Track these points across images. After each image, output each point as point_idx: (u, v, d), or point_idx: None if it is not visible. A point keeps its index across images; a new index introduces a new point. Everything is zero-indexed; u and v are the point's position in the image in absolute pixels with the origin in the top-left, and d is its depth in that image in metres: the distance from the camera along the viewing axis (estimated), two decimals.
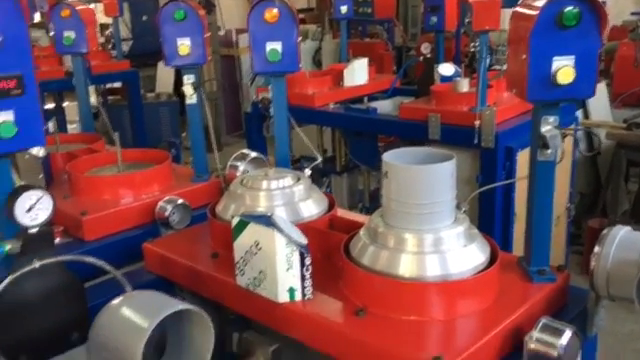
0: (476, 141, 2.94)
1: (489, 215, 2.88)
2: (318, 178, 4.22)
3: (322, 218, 1.74)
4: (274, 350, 1.49)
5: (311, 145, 2.21)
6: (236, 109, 7.69)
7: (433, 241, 1.41)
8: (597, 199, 4.61)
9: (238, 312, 1.59)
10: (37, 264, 1.46)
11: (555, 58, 1.33)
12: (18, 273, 1.43)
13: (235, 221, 1.48)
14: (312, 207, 1.77)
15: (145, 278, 1.78)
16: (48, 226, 1.49)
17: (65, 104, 5.91)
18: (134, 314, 1.14)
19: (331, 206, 1.82)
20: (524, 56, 1.36)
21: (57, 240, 1.99)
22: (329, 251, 1.61)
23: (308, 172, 1.93)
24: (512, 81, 1.50)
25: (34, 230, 1.44)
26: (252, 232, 1.44)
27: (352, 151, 4.26)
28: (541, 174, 1.46)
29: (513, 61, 1.47)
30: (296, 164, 5.02)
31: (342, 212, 1.87)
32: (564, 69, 1.32)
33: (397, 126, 3.56)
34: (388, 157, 1.44)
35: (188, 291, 1.78)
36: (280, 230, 1.40)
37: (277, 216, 1.45)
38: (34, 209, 1.42)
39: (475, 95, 3.06)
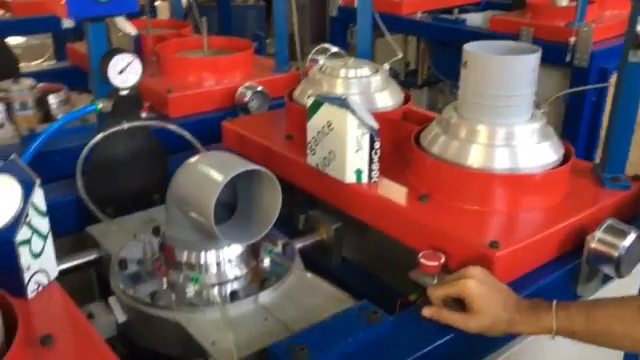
0: (568, 59, 2.80)
1: (574, 134, 2.79)
2: None
3: (396, 110, 1.75)
4: (337, 228, 1.55)
5: (393, 42, 2.17)
6: (321, 19, 7.58)
7: (505, 135, 1.40)
8: None
9: (307, 191, 1.66)
10: (126, 125, 1.57)
11: None
12: (108, 131, 1.55)
13: (310, 101, 1.52)
14: (387, 98, 1.78)
15: None
16: (137, 91, 1.59)
17: (157, 3, 6.04)
18: (210, 170, 1.22)
19: (407, 101, 1.82)
20: None
21: (144, 115, 2.13)
22: (399, 142, 1.63)
23: (387, 66, 1.92)
24: None
25: (124, 92, 1.54)
26: (325, 112, 1.48)
27: (436, 64, 4.16)
28: (629, 76, 1.39)
29: None
30: None
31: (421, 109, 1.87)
32: None
33: (486, 38, 3.41)
34: (470, 47, 1.42)
35: None
36: (353, 112, 1.43)
37: (352, 100, 1.48)
38: (125, 72, 1.51)
39: (574, 10, 2.89)
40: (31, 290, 1.07)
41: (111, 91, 1.53)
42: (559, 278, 1.30)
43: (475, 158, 1.40)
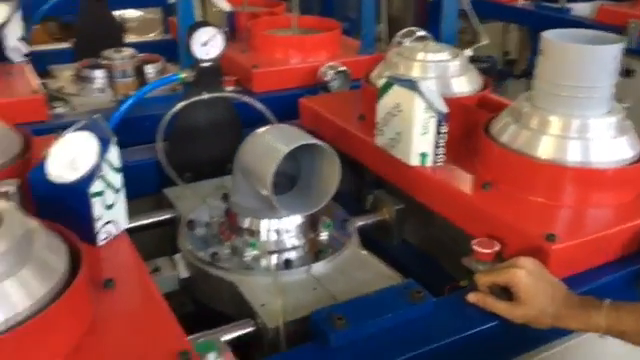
0: None
1: None
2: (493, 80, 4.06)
3: (472, 96, 1.73)
4: (399, 209, 1.56)
5: (480, 27, 2.12)
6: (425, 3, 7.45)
7: (579, 127, 1.35)
8: None
9: (374, 171, 1.68)
10: (205, 96, 1.66)
11: None
12: (189, 101, 1.64)
13: (382, 82, 1.53)
14: (464, 84, 1.75)
15: None
16: (218, 64, 1.67)
17: None
18: (272, 141, 1.28)
19: (485, 87, 1.79)
20: None
21: (230, 88, 2.22)
22: (471, 128, 1.61)
23: (469, 52, 1.89)
24: None
25: (206, 64, 1.63)
26: (395, 94, 1.49)
27: (535, 54, 4.00)
28: None
29: None
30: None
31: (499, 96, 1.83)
32: None
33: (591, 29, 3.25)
34: (548, 34, 1.38)
35: (334, 148, 1.90)
36: (421, 94, 1.43)
37: (422, 83, 1.48)
38: (208, 45, 1.59)
39: None
40: (101, 238, 1.17)
41: (194, 63, 1.62)
42: (620, 279, 1.25)
43: (545, 149, 1.36)
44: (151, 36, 5.06)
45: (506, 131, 1.43)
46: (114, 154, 1.16)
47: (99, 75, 2.31)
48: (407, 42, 2.22)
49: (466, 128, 1.62)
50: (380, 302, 1.12)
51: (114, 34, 2.65)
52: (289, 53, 2.32)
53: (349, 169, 1.86)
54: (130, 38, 3.03)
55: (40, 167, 1.14)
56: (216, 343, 1.02)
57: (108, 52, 2.35)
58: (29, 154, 1.32)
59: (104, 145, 1.15)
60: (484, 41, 2.08)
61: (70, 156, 1.13)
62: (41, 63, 2.37)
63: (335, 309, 1.10)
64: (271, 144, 1.27)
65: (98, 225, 1.15)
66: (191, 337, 1.03)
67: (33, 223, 0.97)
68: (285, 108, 2.06)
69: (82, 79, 2.33)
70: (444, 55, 1.76)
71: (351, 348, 1.04)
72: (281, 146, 1.24)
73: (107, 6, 2.63)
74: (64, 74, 2.41)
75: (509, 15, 3.83)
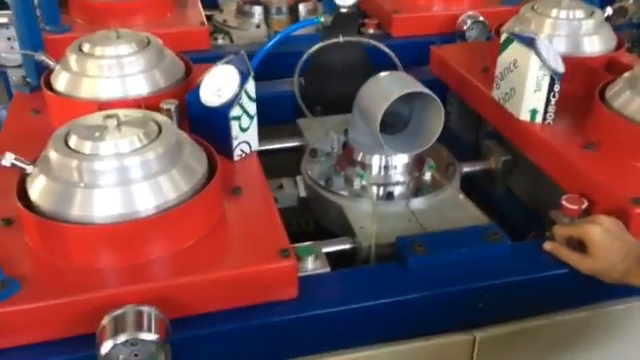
0: None
1: None
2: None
3: (601, 57, 1.73)
4: (505, 160, 1.66)
5: None
6: None
7: None
8: None
9: (489, 122, 1.78)
10: (341, 39, 1.83)
11: None
12: (325, 43, 1.83)
13: (503, 37, 1.60)
14: (596, 44, 1.75)
15: (426, 78, 2.03)
16: (355, 11, 1.83)
17: None
18: (387, 85, 1.44)
19: (619, 48, 1.77)
20: None
21: (371, 31, 2.38)
22: (592, 90, 1.63)
23: (609, 10, 1.86)
24: None
25: (344, 10, 1.80)
26: (514, 50, 1.56)
27: None
28: None
29: None
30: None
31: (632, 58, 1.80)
32: None
33: None
34: None
35: (457, 97, 2.01)
36: (538, 53, 1.49)
37: (542, 41, 1.53)
38: None
39: None
40: (236, 155, 1.43)
41: (333, 9, 1.79)
42: None
43: None
44: None
45: (620, 96, 1.45)
46: (251, 86, 1.40)
47: (257, 11, 2.58)
48: None
49: (588, 88, 1.65)
50: (459, 238, 1.27)
51: None
52: (431, 0, 2.41)
53: (472, 118, 1.97)
54: None
55: (195, 91, 1.41)
56: (315, 249, 1.25)
57: None
58: (189, 79, 1.60)
59: (244, 78, 1.39)
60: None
61: (217, 85, 1.38)
62: None
63: (418, 238, 1.27)
64: (384, 89, 1.43)
65: (235, 143, 1.41)
66: (300, 244, 1.26)
67: (183, 135, 1.24)
68: (422, 54, 2.17)
69: (243, 14, 2.61)
70: (578, 13, 1.77)
71: (425, 272, 1.21)
72: (392, 91, 1.39)
73: None
74: (229, 8, 2.70)
75: None
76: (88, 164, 1.11)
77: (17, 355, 1.02)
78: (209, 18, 2.52)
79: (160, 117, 1.24)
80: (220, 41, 2.36)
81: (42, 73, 1.65)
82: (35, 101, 1.65)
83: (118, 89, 1.51)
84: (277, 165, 1.66)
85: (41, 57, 1.56)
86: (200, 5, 2.43)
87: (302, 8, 2.61)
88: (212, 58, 1.93)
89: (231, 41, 2.42)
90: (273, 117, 1.71)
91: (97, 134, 1.15)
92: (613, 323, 1.30)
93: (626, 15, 2.01)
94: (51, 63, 1.57)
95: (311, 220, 1.70)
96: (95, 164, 1.11)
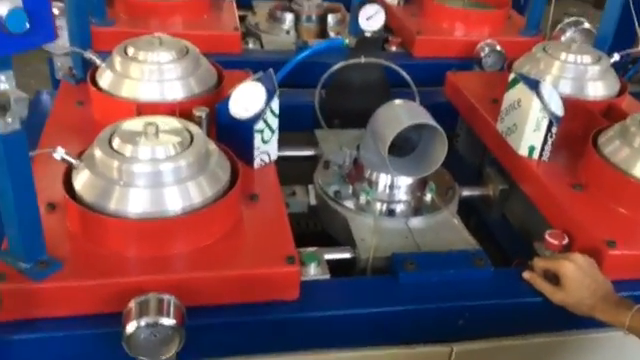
0: None
1: None
2: None
3: (602, 101, 1.86)
4: (502, 189, 1.79)
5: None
6: None
7: None
8: None
9: (492, 151, 1.91)
10: (363, 60, 1.98)
11: None
12: (349, 62, 1.97)
13: (511, 77, 1.74)
14: (599, 89, 1.88)
15: (438, 100, 2.18)
16: (379, 35, 1.97)
17: None
18: (399, 114, 1.58)
19: (621, 94, 1.90)
20: None
21: (393, 49, 2.51)
22: (589, 131, 1.76)
23: (616, 57, 1.98)
24: None
25: (368, 34, 1.94)
26: (519, 90, 1.69)
27: None
28: None
29: None
30: None
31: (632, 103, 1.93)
32: None
33: None
34: None
35: (467, 123, 2.14)
36: (540, 96, 1.62)
37: (545, 85, 1.66)
38: (371, 19, 1.90)
39: None
40: (256, 164, 1.58)
41: (358, 32, 1.93)
42: None
43: (639, 169, 1.51)
44: None
45: (610, 144, 1.59)
46: (275, 103, 1.55)
47: (288, 18, 2.72)
48: (570, 32, 2.34)
49: (586, 131, 1.78)
50: (448, 260, 1.42)
51: None
52: (453, 24, 2.54)
53: (479, 144, 2.10)
54: None
55: (225, 103, 1.56)
56: (318, 257, 1.40)
57: None
58: (220, 88, 1.75)
59: (270, 95, 1.54)
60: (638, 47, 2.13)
61: (245, 100, 1.54)
62: None
63: (411, 256, 1.42)
64: (396, 116, 1.58)
65: (256, 153, 1.56)
66: (304, 249, 1.41)
67: (212, 145, 1.39)
68: (439, 74, 2.30)
69: (274, 19, 2.75)
70: (585, 58, 1.89)
71: (414, 288, 1.36)
72: (403, 120, 1.54)
73: None
74: (261, 11, 2.84)
75: None
76: (127, 165, 1.27)
77: (54, 326, 1.19)
78: (242, 19, 2.67)
79: (194, 127, 1.40)
80: (251, 45, 2.51)
81: (88, 67, 1.81)
82: (80, 93, 1.81)
83: (156, 92, 1.66)
84: (292, 170, 1.81)
85: (89, 55, 1.72)
86: (235, 9, 2.57)
87: (331, 18, 2.75)
88: (242, 63, 2.10)
89: (261, 45, 2.57)
90: (293, 125, 1.85)
91: (137, 139, 1.31)
92: (578, 351, 1.44)
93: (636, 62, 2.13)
94: (97, 61, 1.73)
95: (319, 223, 1.85)
96: (133, 166, 1.27)
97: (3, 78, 1.00)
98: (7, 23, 0.91)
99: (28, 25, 0.93)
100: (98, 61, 1.73)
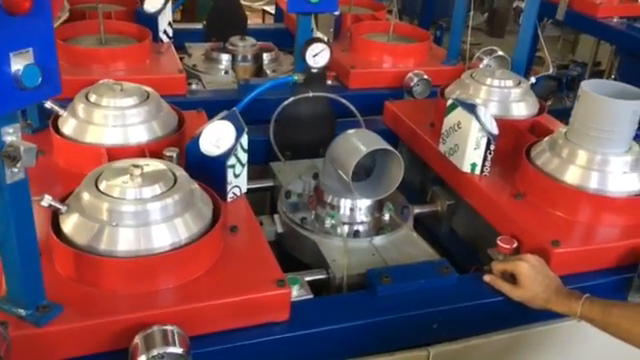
0: None
1: None
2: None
3: (526, 120, 2.09)
4: (450, 204, 1.97)
5: (547, 55, 2.45)
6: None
7: (600, 161, 1.70)
8: None
9: (435, 171, 2.09)
10: (310, 94, 2.11)
11: None
12: (297, 97, 2.10)
13: (449, 102, 1.93)
14: (522, 109, 2.12)
15: (379, 127, 2.34)
16: (324, 70, 2.11)
17: None
18: (357, 142, 1.72)
19: (541, 112, 2.14)
20: None
21: (329, 82, 2.67)
22: (519, 147, 1.97)
23: (533, 80, 2.24)
24: None
25: (314, 70, 2.08)
26: (458, 114, 1.88)
27: (621, 72, 4.19)
28: None
29: None
30: (562, 69, 5.04)
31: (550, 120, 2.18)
32: None
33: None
34: (585, 85, 1.72)
35: (407, 147, 2.32)
36: (478, 118, 1.82)
37: (480, 108, 1.86)
38: (317, 56, 2.04)
39: None
40: (229, 197, 1.66)
41: (305, 68, 2.07)
42: (611, 284, 1.61)
43: (570, 176, 1.72)
44: (261, 3, 5.70)
45: (542, 156, 1.80)
46: (245, 139, 1.65)
47: (225, 58, 2.82)
48: (486, 60, 2.59)
49: (516, 146, 1.99)
50: (417, 271, 1.56)
51: (239, 23, 3.15)
52: (382, 57, 2.74)
53: (419, 165, 2.28)
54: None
55: (194, 142, 1.64)
56: (300, 279, 1.50)
57: (234, 39, 2.86)
58: (183, 129, 1.82)
59: (239, 132, 1.63)
60: (548, 71, 2.41)
61: (216, 137, 1.62)
62: (178, 38, 2.89)
63: (384, 270, 1.55)
64: (355, 144, 1.71)
65: (228, 187, 1.64)
66: (287, 274, 1.49)
67: (194, 184, 1.47)
68: (374, 104, 2.47)
69: (210, 60, 2.84)
70: (508, 82, 2.13)
71: (391, 299, 1.48)
72: (362, 147, 1.67)
73: None
74: (196, 53, 2.93)
75: (601, 32, 4.03)
76: (116, 206, 1.32)
77: None
78: None
79: (176, 168, 1.46)
80: (194, 86, 2.58)
81: (43, 116, 1.83)
82: (39, 142, 1.80)
83: (121, 137, 1.71)
84: (252, 202, 1.90)
85: (50, 104, 1.75)
86: (175, 53, 2.65)
87: (266, 57, 2.88)
88: (189, 103, 2.18)
89: (203, 86, 2.65)
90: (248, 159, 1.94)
91: (124, 181, 1.36)
92: (538, 341, 1.61)
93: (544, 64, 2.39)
94: (59, 110, 1.75)
95: (287, 248, 1.94)
96: (122, 207, 1.32)
97: (11, 130, 1.04)
98: (23, 78, 0.97)
99: (40, 79, 0.99)
100: (60, 110, 1.75)
